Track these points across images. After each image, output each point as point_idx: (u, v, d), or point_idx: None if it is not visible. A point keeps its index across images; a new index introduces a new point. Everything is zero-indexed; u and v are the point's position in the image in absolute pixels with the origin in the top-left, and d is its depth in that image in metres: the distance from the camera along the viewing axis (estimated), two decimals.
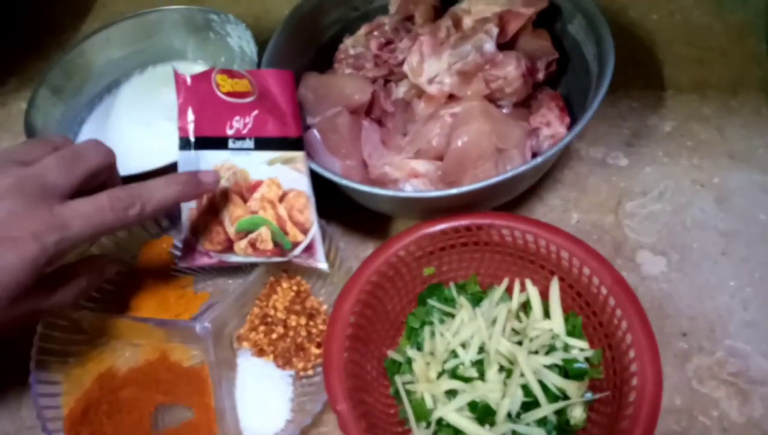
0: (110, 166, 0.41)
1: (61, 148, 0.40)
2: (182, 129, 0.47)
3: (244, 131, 0.45)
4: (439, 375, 0.43)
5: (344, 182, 0.44)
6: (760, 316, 0.46)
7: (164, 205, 0.40)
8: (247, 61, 0.58)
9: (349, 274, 0.44)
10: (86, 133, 0.61)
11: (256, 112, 0.45)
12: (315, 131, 0.51)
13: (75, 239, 0.37)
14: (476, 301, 0.46)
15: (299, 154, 0.45)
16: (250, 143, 0.45)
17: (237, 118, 0.46)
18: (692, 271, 0.48)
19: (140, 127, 0.59)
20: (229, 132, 0.46)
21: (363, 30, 0.56)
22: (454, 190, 0.42)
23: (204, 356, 0.46)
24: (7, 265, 0.34)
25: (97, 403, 0.45)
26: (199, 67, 0.63)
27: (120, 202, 0.38)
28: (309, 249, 0.46)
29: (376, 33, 0.55)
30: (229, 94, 0.46)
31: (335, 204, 0.49)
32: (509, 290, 0.46)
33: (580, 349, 0.42)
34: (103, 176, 0.41)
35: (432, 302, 0.46)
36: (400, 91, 0.54)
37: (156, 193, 0.40)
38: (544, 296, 0.45)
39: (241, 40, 0.60)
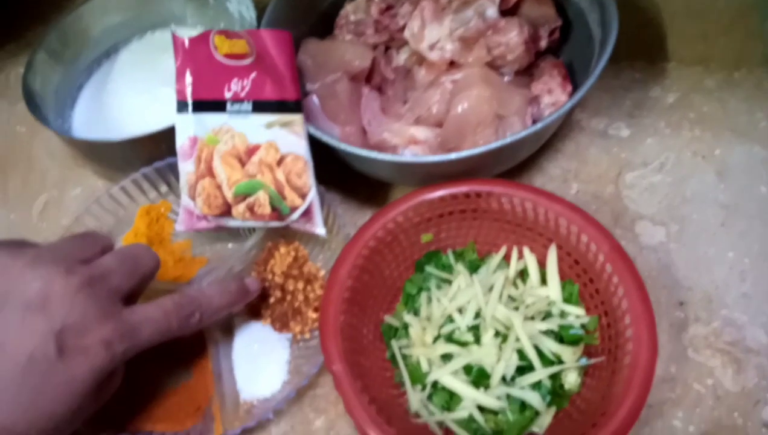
0: (157, 272, 0.41)
1: (107, 247, 0.39)
2: (180, 92, 0.47)
3: (242, 94, 0.45)
4: (435, 339, 0.43)
5: (342, 147, 0.44)
6: (758, 288, 0.45)
7: (218, 314, 0.41)
8: (247, 27, 0.58)
9: (347, 241, 0.44)
10: (85, 99, 0.61)
11: (254, 75, 0.45)
12: (314, 97, 0.50)
13: (142, 347, 0.36)
14: (474, 268, 0.46)
15: (297, 118, 0.44)
16: (248, 106, 0.45)
17: (235, 80, 0.45)
18: (691, 242, 0.48)
19: (139, 93, 0.59)
20: (227, 95, 0.45)
21: None
22: (453, 156, 0.42)
23: None
24: (79, 375, 0.33)
25: None
26: (198, 33, 0.63)
27: (183, 310, 0.38)
28: (307, 214, 0.46)
29: None
30: (227, 56, 0.45)
31: (333, 171, 0.48)
32: (507, 258, 0.46)
33: (576, 315, 0.43)
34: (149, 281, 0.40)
35: (429, 269, 0.46)
36: (401, 58, 0.53)
37: (213, 302, 0.41)
38: (542, 264, 0.45)
39: (240, 6, 0.59)
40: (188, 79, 0.46)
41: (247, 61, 0.45)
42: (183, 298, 0.39)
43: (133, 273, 0.38)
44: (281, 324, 0.46)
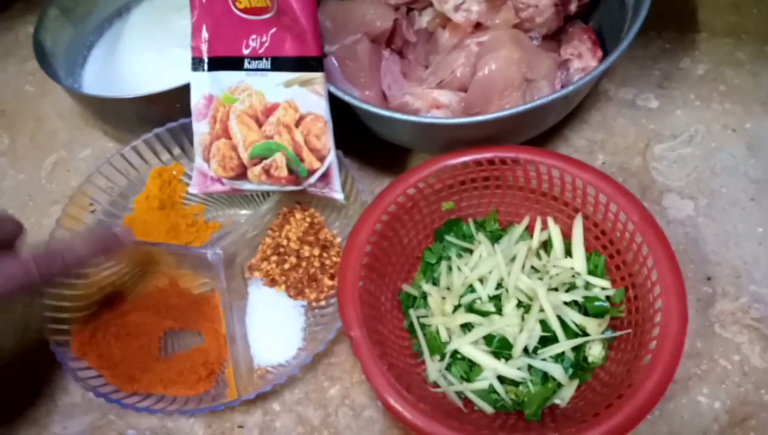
0: (20, 237, 0.38)
1: None
2: (195, 49, 0.45)
3: (261, 51, 0.43)
4: (455, 309, 0.42)
5: (364, 107, 0.42)
6: None
7: (84, 260, 0.39)
8: None
9: (364, 208, 0.42)
10: (95, 58, 0.59)
11: (273, 30, 0.43)
12: (333, 59, 0.49)
13: None
14: (495, 238, 0.45)
15: (318, 76, 0.43)
16: (266, 63, 0.43)
17: (253, 36, 0.43)
18: (720, 216, 0.47)
19: (151, 54, 0.57)
20: (245, 51, 0.44)
21: None
22: (479, 118, 0.40)
23: (214, 284, 0.45)
24: None
25: (105, 326, 0.44)
26: None
27: (43, 258, 0.36)
28: (325, 177, 0.44)
29: None
30: (245, 10, 0.43)
31: (351, 137, 0.47)
32: (530, 229, 0.45)
33: (601, 287, 0.41)
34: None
35: (450, 238, 0.45)
36: (424, 20, 0.51)
37: (77, 249, 0.38)
38: (566, 236, 0.44)
39: None
40: (204, 35, 0.45)
41: (266, 16, 0.43)
42: (41, 251, 0.37)
43: None
44: (296, 291, 0.45)
